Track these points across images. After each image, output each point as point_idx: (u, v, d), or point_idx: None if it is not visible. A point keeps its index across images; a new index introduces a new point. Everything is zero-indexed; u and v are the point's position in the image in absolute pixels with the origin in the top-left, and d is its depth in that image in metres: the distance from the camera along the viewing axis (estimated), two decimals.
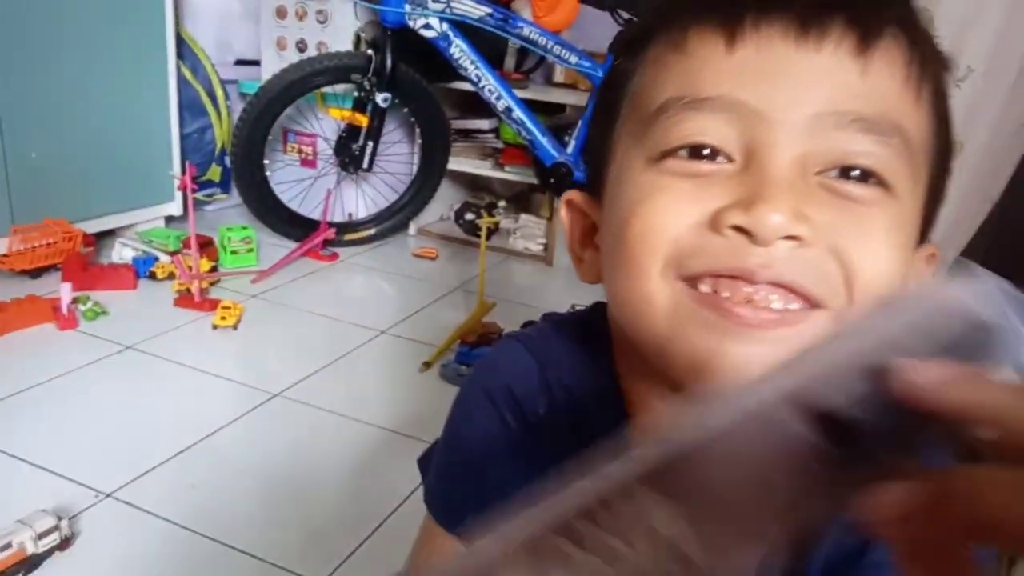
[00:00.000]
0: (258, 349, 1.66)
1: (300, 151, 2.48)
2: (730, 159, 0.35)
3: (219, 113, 2.46)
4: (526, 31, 1.85)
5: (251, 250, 2.12)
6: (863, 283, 0.34)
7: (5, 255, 1.86)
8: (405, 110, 2.22)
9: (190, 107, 2.38)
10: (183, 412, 1.37)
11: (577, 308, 1.74)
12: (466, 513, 0.43)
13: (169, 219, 2.36)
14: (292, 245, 2.31)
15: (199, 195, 2.51)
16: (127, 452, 1.23)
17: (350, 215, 2.44)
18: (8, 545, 0.93)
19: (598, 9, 1.78)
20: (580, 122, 1.95)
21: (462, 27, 1.94)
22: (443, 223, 2.69)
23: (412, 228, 2.58)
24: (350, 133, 2.18)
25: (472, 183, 2.90)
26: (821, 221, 0.34)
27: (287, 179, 2.41)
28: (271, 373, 1.55)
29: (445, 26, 1.92)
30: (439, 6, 1.89)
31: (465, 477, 0.46)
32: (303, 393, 1.48)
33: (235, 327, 1.73)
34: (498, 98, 1.94)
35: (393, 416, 1.43)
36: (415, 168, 2.48)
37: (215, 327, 1.72)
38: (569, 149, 1.97)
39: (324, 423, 1.38)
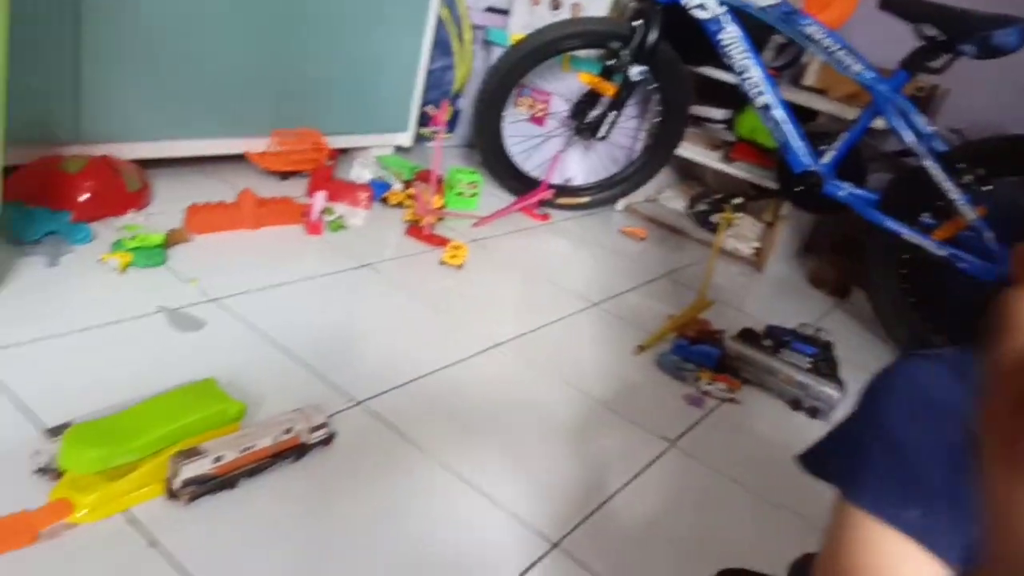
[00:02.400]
0: (481, 294, 1.70)
1: (532, 107, 2.50)
2: None
3: (463, 56, 2.51)
4: (810, 30, 1.75)
5: (475, 195, 2.17)
6: None
7: (262, 154, 2.00)
8: (652, 87, 2.18)
9: (439, 45, 2.44)
10: (418, 340, 1.43)
11: (804, 327, 1.64)
12: (909, 508, 0.45)
13: (397, 149, 2.46)
14: (507, 197, 2.34)
15: (424, 131, 2.59)
16: (374, 366, 1.30)
17: (568, 179, 2.45)
18: (289, 430, 1.00)
19: (901, 19, 1.66)
20: (845, 134, 1.83)
21: (738, 13, 1.87)
22: (649, 204, 2.65)
23: (620, 204, 2.55)
24: (590, 99, 2.17)
25: (684, 171, 2.84)
26: None
27: (514, 133, 2.44)
28: (494, 320, 1.58)
29: (722, 10, 1.85)
30: None
31: (909, 477, 0.47)
32: (524, 347, 1.51)
33: (460, 267, 1.78)
34: (759, 93, 1.86)
35: (607, 391, 1.42)
36: (639, 145, 2.44)
37: (442, 263, 1.77)
38: (824, 159, 1.87)
39: (540, 380, 1.40)
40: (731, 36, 1.86)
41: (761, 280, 2.28)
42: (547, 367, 1.46)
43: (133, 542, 0.84)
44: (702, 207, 2.02)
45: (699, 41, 2.00)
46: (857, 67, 1.74)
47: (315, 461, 1.04)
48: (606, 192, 2.41)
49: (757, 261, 2.34)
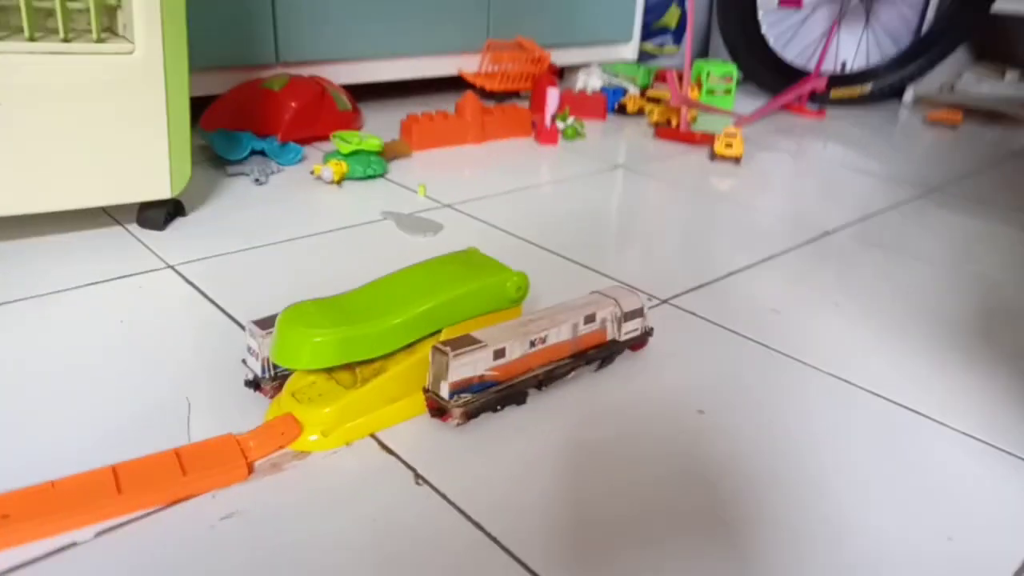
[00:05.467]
0: (775, 185, 1.28)
1: None
2: None
3: None
4: None
5: (728, 91, 1.75)
6: None
7: (477, 73, 1.72)
8: None
9: None
10: (712, 238, 1.04)
11: None
12: None
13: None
14: (765, 97, 1.90)
15: (648, 45, 2.21)
16: (664, 264, 0.93)
17: (843, 64, 1.95)
18: (592, 318, 0.65)
19: None
20: None
21: None
22: (947, 94, 2.08)
23: (908, 95, 2.01)
24: None
25: (982, 48, 2.23)
26: None
27: (765, 19, 1.99)
28: (806, 210, 1.16)
29: None
30: None
31: None
32: (861, 233, 1.07)
33: (738, 161, 1.38)
34: None
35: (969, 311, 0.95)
36: (930, 11, 1.90)
37: (716, 156, 1.38)
38: None
39: (890, 265, 0.96)
40: None
41: None
42: (892, 253, 1.01)
43: (396, 477, 0.53)
44: None
45: None
46: None
47: (627, 369, 0.69)
48: (894, 75, 1.88)
49: None
